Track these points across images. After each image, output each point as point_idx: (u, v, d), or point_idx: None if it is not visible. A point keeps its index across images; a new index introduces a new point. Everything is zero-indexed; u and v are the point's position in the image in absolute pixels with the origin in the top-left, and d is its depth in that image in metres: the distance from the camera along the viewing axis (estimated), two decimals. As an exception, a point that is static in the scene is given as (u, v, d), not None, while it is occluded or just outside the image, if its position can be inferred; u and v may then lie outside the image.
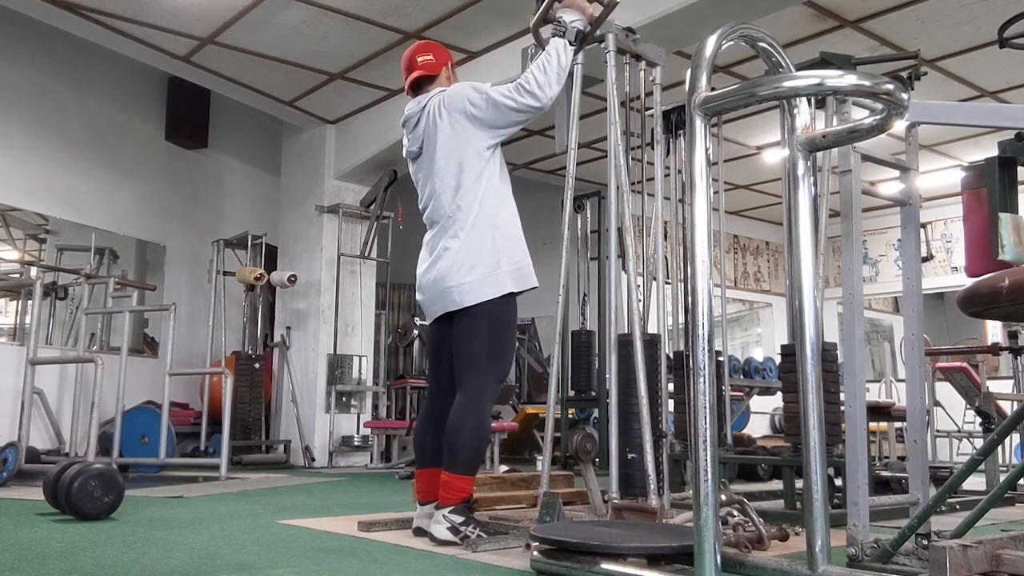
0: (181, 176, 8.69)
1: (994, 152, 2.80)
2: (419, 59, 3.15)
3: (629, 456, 3.09)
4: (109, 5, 6.06)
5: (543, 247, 7.38)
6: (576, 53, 3.15)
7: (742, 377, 6.28)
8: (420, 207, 3.16)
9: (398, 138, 8.34)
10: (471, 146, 2.96)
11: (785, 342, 3.99)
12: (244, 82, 7.38)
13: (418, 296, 3.14)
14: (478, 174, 2.97)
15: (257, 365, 7.77)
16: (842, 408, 3.27)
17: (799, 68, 2.66)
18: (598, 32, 3.22)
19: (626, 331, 3.24)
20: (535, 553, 2.35)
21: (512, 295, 2.97)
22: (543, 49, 3.05)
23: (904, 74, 4.26)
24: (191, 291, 8.50)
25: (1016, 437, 6.65)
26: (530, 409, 8.61)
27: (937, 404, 7.03)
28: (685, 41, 5.37)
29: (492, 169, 3.00)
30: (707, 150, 1.95)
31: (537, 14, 3.14)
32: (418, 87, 3.17)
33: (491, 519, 3.11)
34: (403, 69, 3.21)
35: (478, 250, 2.93)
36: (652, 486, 2.99)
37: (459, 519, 2.79)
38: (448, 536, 2.77)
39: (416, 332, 8.30)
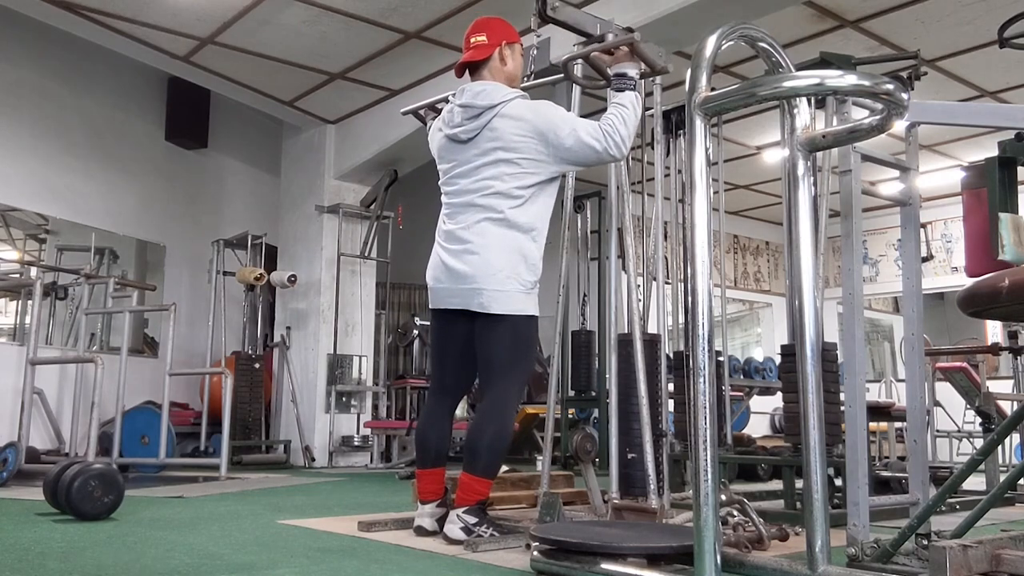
0: (181, 176, 8.68)
1: (994, 152, 2.80)
2: (472, 40, 3.07)
3: (629, 456, 3.09)
4: (109, 5, 6.06)
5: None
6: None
7: (742, 377, 6.29)
8: (445, 186, 3.05)
9: (398, 138, 8.30)
10: (540, 167, 2.93)
11: (785, 342, 3.99)
12: (244, 82, 7.38)
13: (431, 281, 3.04)
14: (535, 191, 2.94)
15: (257, 365, 7.77)
16: (842, 408, 3.27)
17: (799, 68, 2.66)
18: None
19: (626, 331, 3.24)
20: (535, 553, 2.35)
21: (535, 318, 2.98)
22: (569, 78, 3.07)
23: (904, 74, 4.27)
24: (191, 291, 8.49)
25: (1016, 437, 6.65)
26: (530, 409, 8.59)
27: (937, 404, 7.03)
28: (685, 41, 5.37)
29: (547, 196, 2.99)
30: (707, 150, 1.95)
31: (577, 53, 3.04)
32: (472, 70, 3.10)
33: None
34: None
35: (518, 261, 2.90)
36: (652, 486, 2.99)
37: (473, 519, 2.80)
38: (461, 536, 2.77)
39: (416, 332, 8.28)
